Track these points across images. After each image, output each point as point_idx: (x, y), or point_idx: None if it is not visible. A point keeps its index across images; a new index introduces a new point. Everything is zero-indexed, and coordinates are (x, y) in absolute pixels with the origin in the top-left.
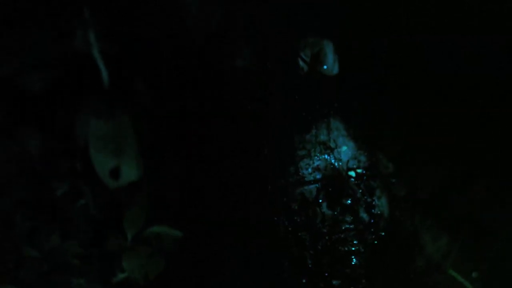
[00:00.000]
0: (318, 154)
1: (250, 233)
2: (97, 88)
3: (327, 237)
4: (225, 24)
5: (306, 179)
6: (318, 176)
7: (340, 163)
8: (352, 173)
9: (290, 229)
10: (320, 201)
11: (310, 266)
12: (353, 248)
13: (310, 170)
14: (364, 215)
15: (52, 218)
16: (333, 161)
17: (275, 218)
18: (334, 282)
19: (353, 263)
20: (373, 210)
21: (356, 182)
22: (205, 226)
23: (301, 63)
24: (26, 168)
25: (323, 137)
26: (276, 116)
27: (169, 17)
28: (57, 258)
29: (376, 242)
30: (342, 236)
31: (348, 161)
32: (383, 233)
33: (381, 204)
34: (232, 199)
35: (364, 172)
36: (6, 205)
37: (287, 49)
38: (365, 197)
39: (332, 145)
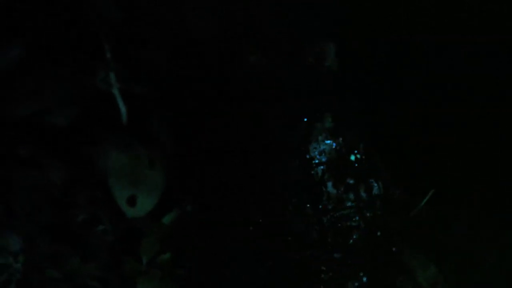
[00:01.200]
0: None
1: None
2: (116, 123)
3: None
4: (226, 27)
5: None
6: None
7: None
8: (352, 157)
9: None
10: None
11: (315, 239)
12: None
13: (316, 153)
14: (364, 194)
15: (73, 243)
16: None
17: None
18: (335, 255)
19: (354, 236)
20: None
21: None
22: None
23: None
24: (50, 196)
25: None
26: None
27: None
28: (77, 280)
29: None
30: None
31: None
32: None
33: (379, 186)
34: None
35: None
36: (32, 230)
37: (288, 48)
38: (365, 178)
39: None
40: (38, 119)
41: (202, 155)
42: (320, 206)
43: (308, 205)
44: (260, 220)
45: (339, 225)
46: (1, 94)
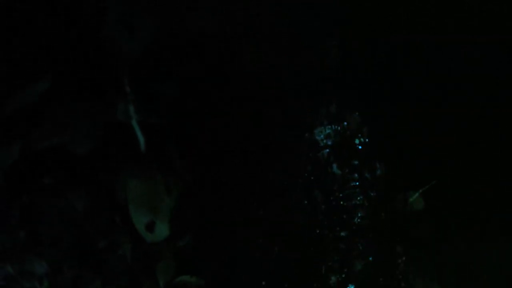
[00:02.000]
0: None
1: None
2: (135, 152)
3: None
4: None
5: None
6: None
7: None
8: (357, 141)
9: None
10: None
11: (321, 218)
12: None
13: (322, 136)
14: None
15: (95, 267)
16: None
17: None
18: (342, 233)
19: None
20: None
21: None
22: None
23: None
24: (74, 223)
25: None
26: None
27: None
28: None
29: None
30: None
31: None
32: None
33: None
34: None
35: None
36: (56, 255)
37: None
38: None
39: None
40: (61, 149)
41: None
42: (326, 187)
43: (314, 186)
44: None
45: (344, 204)
46: (28, 127)
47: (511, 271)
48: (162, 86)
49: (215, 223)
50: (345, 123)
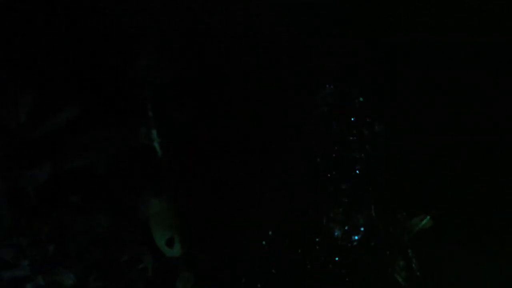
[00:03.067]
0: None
1: None
2: (156, 174)
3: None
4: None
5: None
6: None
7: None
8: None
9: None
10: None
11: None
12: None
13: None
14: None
15: (118, 279)
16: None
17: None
18: (343, 186)
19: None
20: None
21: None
22: None
23: None
24: (98, 238)
25: None
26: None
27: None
28: None
29: None
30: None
31: None
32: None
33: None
34: None
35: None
36: (81, 269)
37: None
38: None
39: None
40: (88, 170)
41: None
42: (326, 142)
43: (314, 143)
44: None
45: (344, 156)
46: (56, 150)
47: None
48: (181, 111)
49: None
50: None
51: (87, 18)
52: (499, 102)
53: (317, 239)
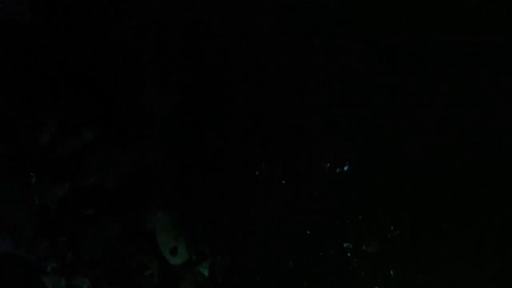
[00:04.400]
0: None
1: None
2: (162, 190)
3: None
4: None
5: None
6: None
7: None
8: None
9: None
10: None
11: None
12: None
13: None
14: None
15: (127, 284)
16: None
17: None
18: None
19: None
20: None
21: None
22: None
23: None
24: (110, 247)
25: None
26: None
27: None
28: None
29: None
30: None
31: None
32: None
33: None
34: None
35: None
36: (95, 273)
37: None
38: None
39: None
40: (101, 187)
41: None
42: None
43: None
44: None
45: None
46: (74, 169)
47: None
48: (185, 133)
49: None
50: None
51: (101, 57)
52: (499, 102)
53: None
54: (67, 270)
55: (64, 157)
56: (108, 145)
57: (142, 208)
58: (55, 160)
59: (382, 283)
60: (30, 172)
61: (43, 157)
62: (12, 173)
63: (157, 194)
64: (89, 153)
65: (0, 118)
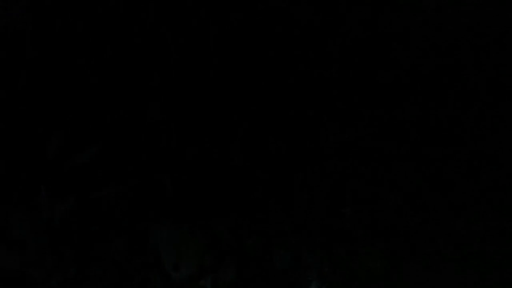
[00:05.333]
0: None
1: None
2: (166, 207)
3: None
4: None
5: None
6: None
7: None
8: None
9: None
10: None
11: None
12: None
13: None
14: None
15: None
16: None
17: None
18: None
19: None
20: None
21: None
22: None
23: None
24: (115, 262)
25: None
26: None
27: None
28: None
29: None
30: None
31: None
32: None
33: None
34: None
35: None
36: None
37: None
38: None
39: None
40: (106, 202)
41: None
42: None
43: None
44: None
45: None
46: (80, 183)
47: None
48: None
49: None
50: None
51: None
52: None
53: None
54: (72, 285)
55: (70, 171)
56: (113, 160)
57: (146, 223)
58: (61, 174)
59: None
60: (39, 185)
61: (50, 170)
62: (19, 187)
63: (162, 210)
64: (94, 167)
65: (5, 130)
